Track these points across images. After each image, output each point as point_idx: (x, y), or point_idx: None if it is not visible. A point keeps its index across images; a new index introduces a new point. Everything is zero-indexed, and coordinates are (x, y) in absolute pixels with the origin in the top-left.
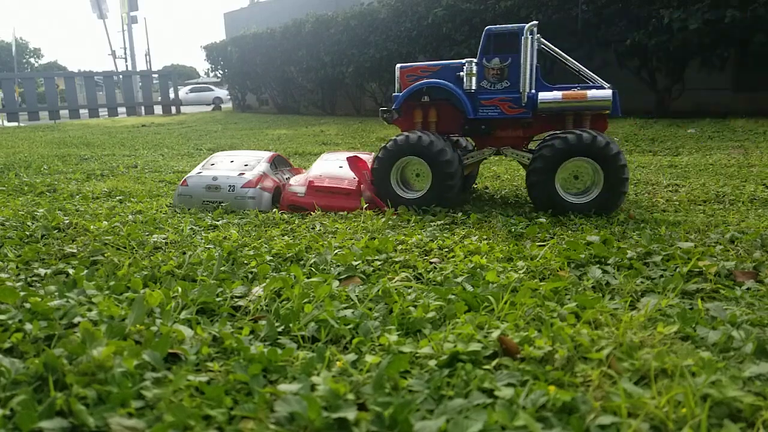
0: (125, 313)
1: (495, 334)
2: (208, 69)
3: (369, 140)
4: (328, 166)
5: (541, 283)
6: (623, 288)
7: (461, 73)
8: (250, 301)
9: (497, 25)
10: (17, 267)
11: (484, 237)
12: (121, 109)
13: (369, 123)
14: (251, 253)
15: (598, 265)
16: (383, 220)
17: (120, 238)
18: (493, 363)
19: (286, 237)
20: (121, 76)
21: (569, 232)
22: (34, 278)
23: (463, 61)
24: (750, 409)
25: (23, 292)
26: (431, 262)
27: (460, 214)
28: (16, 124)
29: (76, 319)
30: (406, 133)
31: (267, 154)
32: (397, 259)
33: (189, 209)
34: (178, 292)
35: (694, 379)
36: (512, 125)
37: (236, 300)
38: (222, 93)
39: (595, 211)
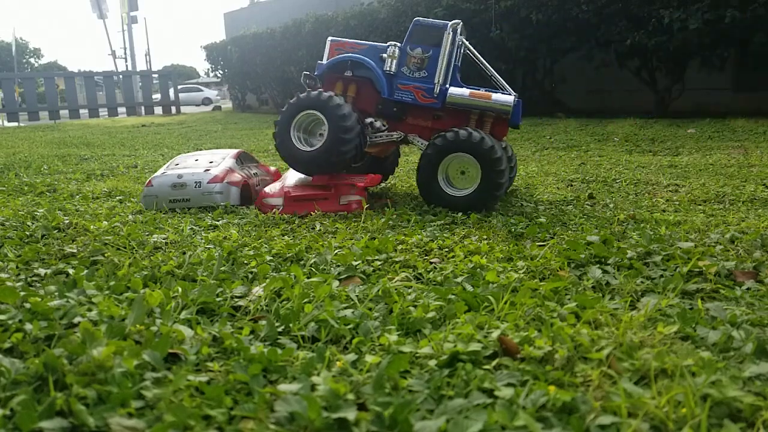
0: (125, 313)
1: (495, 334)
2: (208, 69)
3: None
4: (299, 175)
5: (541, 283)
6: (623, 288)
7: (384, 55)
8: (250, 301)
9: (427, 18)
10: (17, 267)
11: (484, 237)
12: (121, 109)
13: None
14: (251, 253)
15: (598, 265)
16: (383, 220)
17: (120, 238)
18: (493, 363)
19: (286, 237)
20: (121, 76)
21: (569, 232)
22: (34, 278)
23: (389, 44)
24: (750, 409)
25: (23, 292)
26: (431, 262)
27: (459, 213)
28: (16, 124)
29: (76, 319)
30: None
31: (232, 151)
32: (397, 259)
33: (157, 210)
34: (178, 292)
35: (694, 379)
36: (423, 115)
37: (236, 300)
38: (211, 93)
39: (471, 207)
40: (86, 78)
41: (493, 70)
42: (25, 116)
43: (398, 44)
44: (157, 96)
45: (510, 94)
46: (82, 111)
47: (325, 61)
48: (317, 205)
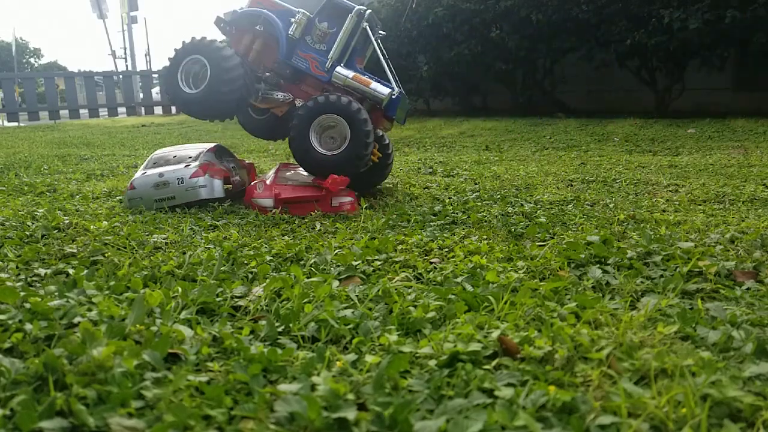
0: (125, 313)
1: (495, 334)
2: None
3: None
4: (289, 176)
5: (541, 283)
6: (623, 288)
7: (293, 20)
8: (250, 301)
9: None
10: (17, 267)
11: (484, 237)
12: (121, 109)
13: None
14: (251, 253)
15: (598, 265)
16: (383, 220)
17: (120, 238)
18: (493, 363)
19: (286, 237)
20: (121, 76)
21: (569, 232)
22: (34, 278)
23: (299, 10)
24: (750, 409)
25: (23, 292)
26: (431, 262)
27: (460, 213)
28: (16, 124)
29: (76, 319)
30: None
31: (208, 145)
32: (397, 259)
33: (141, 211)
34: (178, 292)
35: (694, 379)
36: (314, 85)
37: (236, 300)
38: None
39: (340, 169)
40: (86, 78)
41: (390, 66)
42: (25, 116)
43: (309, 14)
44: (157, 96)
45: (391, 88)
46: (82, 111)
47: (240, 9)
48: (307, 207)
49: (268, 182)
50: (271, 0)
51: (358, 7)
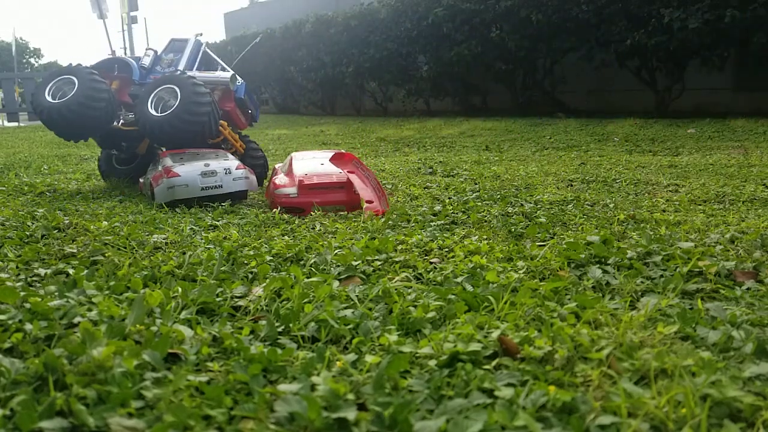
0: (125, 313)
1: (495, 334)
2: None
3: (369, 140)
4: (308, 165)
5: (541, 283)
6: (623, 288)
7: (142, 55)
8: (250, 301)
9: (179, 36)
10: (17, 267)
11: (484, 237)
12: None
13: (369, 123)
14: (251, 253)
15: (598, 265)
16: (383, 220)
17: (120, 238)
18: (493, 363)
19: (286, 237)
20: None
21: (569, 232)
22: (34, 278)
23: (147, 48)
24: (750, 409)
25: (23, 292)
26: (431, 262)
27: (460, 213)
28: (16, 124)
29: (76, 319)
30: None
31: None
32: (397, 259)
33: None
34: (178, 292)
35: (694, 379)
36: None
37: (236, 300)
38: None
39: (170, 127)
40: None
41: (222, 63)
42: (25, 116)
43: (155, 50)
44: None
45: (232, 74)
46: None
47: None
48: (333, 194)
49: (285, 173)
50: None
51: (195, 35)
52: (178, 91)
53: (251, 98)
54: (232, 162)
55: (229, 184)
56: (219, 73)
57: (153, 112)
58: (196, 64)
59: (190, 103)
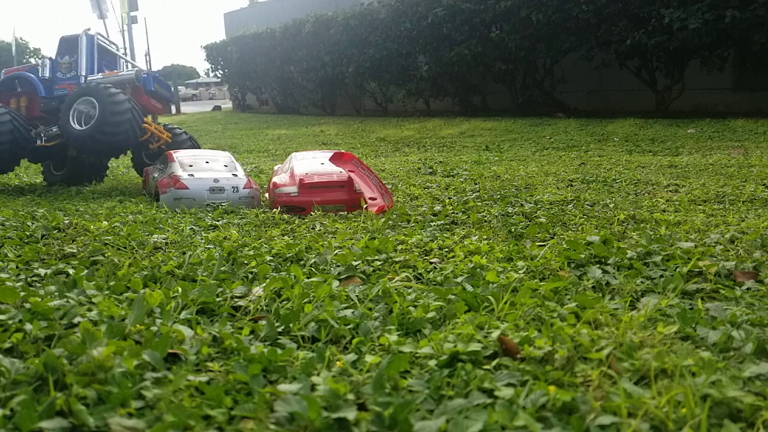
0: (125, 313)
1: (495, 334)
2: (208, 69)
3: (369, 140)
4: (309, 165)
5: (541, 283)
6: (623, 288)
7: (39, 67)
8: (250, 301)
9: (68, 34)
10: (17, 267)
11: (484, 237)
12: None
13: (369, 123)
14: (251, 253)
15: (598, 265)
16: (383, 220)
17: (120, 238)
18: (493, 363)
19: (286, 237)
20: None
21: (569, 232)
22: (34, 278)
23: (40, 57)
24: (750, 409)
25: (23, 292)
26: (431, 262)
27: (460, 213)
28: None
29: (76, 319)
30: None
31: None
32: (397, 259)
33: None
34: (178, 292)
35: (694, 379)
36: None
37: (236, 300)
38: None
39: (94, 141)
40: None
41: (130, 62)
42: None
43: (49, 57)
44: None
45: (137, 69)
46: None
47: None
48: (333, 193)
49: (287, 172)
50: (19, 68)
51: (83, 30)
52: (96, 103)
53: (161, 83)
54: (241, 180)
55: (236, 202)
56: (124, 73)
57: (76, 127)
58: (95, 62)
59: (110, 114)
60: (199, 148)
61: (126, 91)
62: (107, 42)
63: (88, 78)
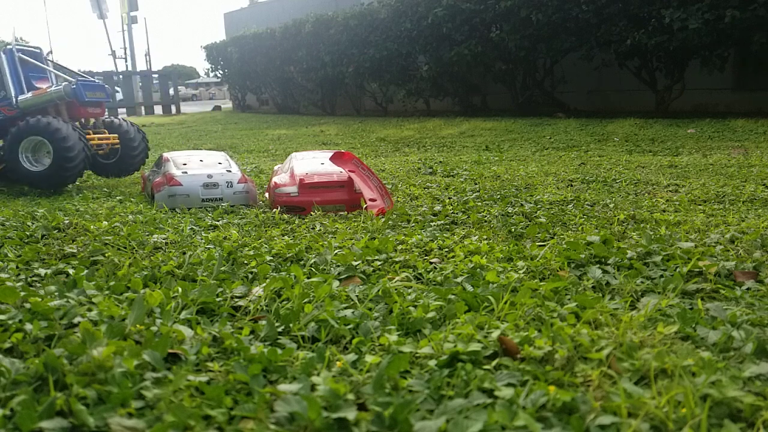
0: (125, 313)
1: (495, 334)
2: (208, 69)
3: (369, 140)
4: (309, 165)
5: (541, 283)
6: (623, 288)
7: None
8: (250, 301)
9: None
10: (17, 267)
11: (484, 237)
12: (121, 110)
13: (369, 123)
14: (251, 253)
15: (598, 265)
16: (383, 220)
17: (120, 238)
18: (493, 363)
19: (286, 237)
20: (121, 76)
21: (569, 232)
22: (34, 278)
23: None
24: (750, 409)
25: (23, 292)
26: (431, 262)
27: (460, 213)
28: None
29: (76, 319)
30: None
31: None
32: (397, 259)
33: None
34: (178, 292)
35: (694, 379)
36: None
37: (236, 300)
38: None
39: (48, 181)
40: None
41: (64, 68)
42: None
43: None
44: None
45: (65, 82)
46: None
47: None
48: (333, 193)
49: (287, 172)
50: None
51: (1, 47)
52: (48, 145)
53: (95, 86)
54: (235, 175)
55: (230, 197)
56: (53, 90)
57: (29, 167)
58: (22, 79)
59: (64, 159)
60: (145, 135)
61: (61, 110)
62: (29, 49)
63: (19, 100)
